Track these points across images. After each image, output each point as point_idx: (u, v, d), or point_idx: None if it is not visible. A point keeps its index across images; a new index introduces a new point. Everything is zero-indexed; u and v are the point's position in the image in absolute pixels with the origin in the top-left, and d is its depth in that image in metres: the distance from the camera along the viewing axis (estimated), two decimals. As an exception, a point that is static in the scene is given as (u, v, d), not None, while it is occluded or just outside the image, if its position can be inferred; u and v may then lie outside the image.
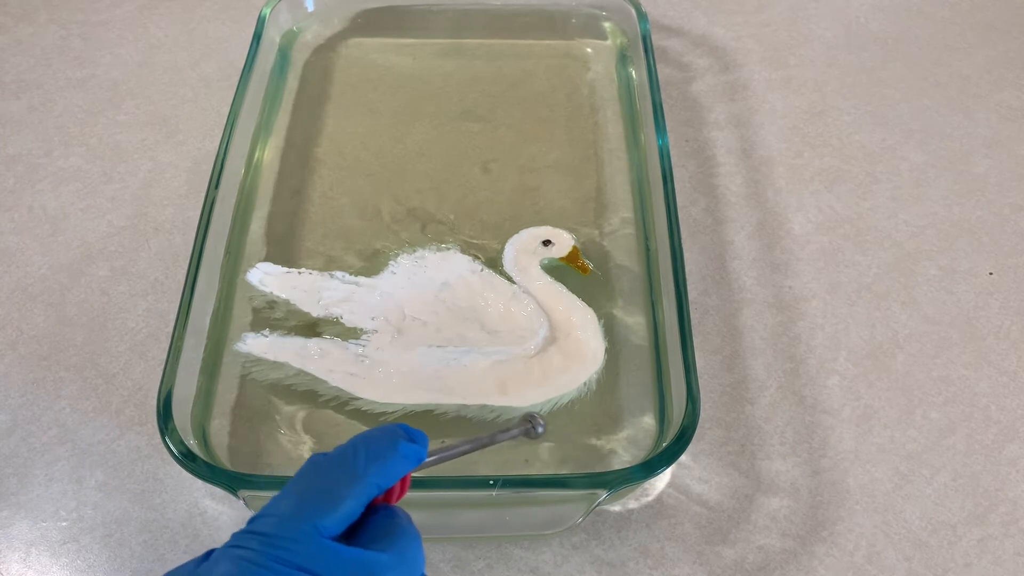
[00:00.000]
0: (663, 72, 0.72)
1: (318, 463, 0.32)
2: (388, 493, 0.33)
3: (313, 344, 0.52)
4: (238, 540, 0.29)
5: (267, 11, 0.69)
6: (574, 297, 0.54)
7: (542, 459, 0.49)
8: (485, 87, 0.70)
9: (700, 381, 0.47)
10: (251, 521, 0.30)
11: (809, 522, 0.48)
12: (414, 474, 0.34)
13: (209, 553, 0.29)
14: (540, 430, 0.44)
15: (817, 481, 0.50)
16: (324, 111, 0.68)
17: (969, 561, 0.47)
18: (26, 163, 0.66)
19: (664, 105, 0.62)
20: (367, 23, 0.75)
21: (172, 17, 0.79)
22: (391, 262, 0.57)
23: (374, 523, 0.31)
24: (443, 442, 0.48)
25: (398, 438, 0.33)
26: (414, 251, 0.57)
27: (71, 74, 0.73)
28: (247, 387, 0.51)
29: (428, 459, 0.36)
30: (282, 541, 0.29)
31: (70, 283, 0.59)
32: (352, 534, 0.31)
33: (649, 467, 0.44)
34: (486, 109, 0.69)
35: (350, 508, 0.30)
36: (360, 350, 0.52)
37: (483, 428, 0.49)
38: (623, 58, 0.72)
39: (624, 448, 0.49)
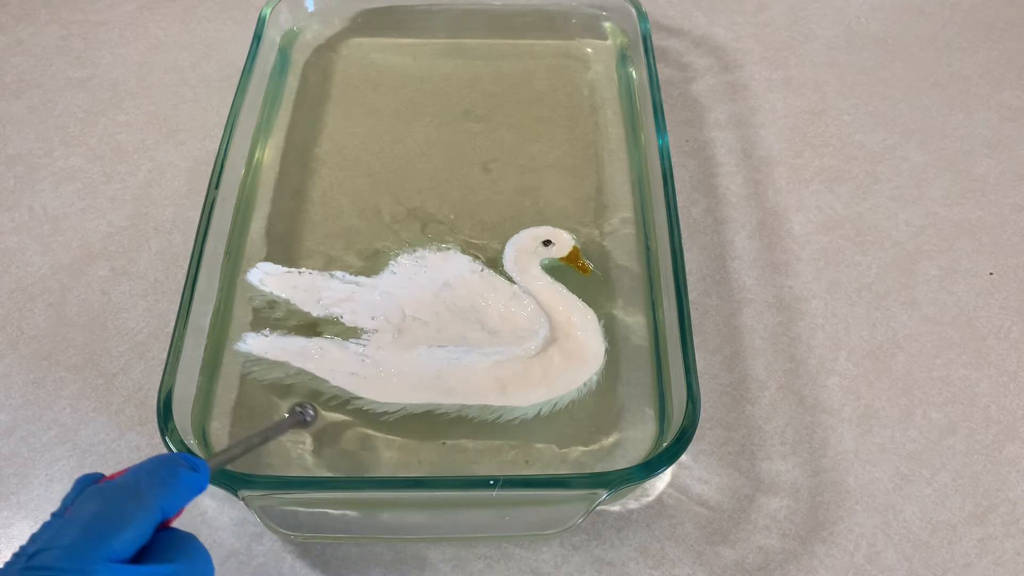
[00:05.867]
0: (663, 72, 0.72)
1: (97, 491, 0.32)
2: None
3: (313, 344, 0.52)
4: None
5: (267, 11, 0.69)
6: (574, 297, 0.54)
7: (542, 459, 0.49)
8: (485, 87, 0.70)
9: (700, 381, 0.47)
10: (28, 557, 0.29)
11: (809, 522, 0.48)
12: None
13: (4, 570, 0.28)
14: (309, 419, 0.46)
15: (817, 481, 0.50)
16: (324, 111, 0.68)
17: (969, 561, 0.47)
18: (26, 163, 0.66)
19: (664, 105, 0.62)
20: (367, 23, 0.75)
21: (172, 17, 0.79)
22: (391, 262, 0.57)
23: (159, 544, 0.32)
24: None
25: (179, 467, 0.34)
26: (414, 251, 0.57)
27: (71, 74, 0.73)
28: (247, 387, 0.51)
29: (210, 462, 0.37)
30: (73, 574, 0.28)
31: (70, 283, 0.59)
32: (138, 559, 0.31)
33: (649, 467, 0.44)
34: (486, 109, 0.68)
35: (139, 531, 0.31)
36: (360, 350, 0.52)
37: (484, 428, 0.49)
38: (623, 58, 0.72)
39: (624, 448, 0.49)
